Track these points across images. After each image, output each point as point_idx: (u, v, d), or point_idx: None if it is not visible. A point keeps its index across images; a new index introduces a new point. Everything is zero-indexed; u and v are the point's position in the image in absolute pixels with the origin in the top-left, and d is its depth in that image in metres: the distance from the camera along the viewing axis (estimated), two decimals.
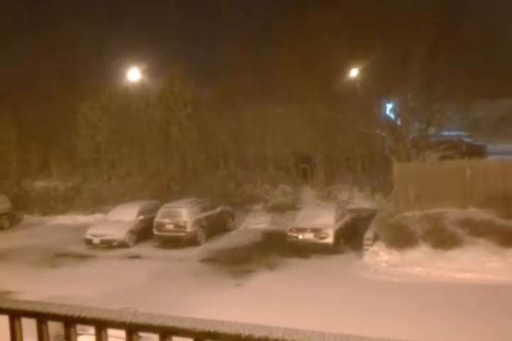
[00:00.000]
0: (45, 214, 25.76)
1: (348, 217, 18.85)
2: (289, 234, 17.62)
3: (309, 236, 17.29)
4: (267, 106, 26.19)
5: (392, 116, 23.26)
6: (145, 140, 27.62)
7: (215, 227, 20.26)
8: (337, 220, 17.83)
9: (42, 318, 1.85)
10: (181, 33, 35.62)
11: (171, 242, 19.28)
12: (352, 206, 22.23)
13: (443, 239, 15.61)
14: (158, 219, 19.49)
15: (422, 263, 15.11)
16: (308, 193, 24.53)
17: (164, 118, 27.19)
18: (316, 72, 21.80)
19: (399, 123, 22.08)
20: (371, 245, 16.84)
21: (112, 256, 18.62)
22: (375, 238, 17.13)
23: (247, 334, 1.49)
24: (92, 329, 1.78)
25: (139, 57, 26.46)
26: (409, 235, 16.33)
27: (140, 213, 20.67)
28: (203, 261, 17.53)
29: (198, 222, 19.41)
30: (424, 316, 11.64)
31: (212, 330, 1.54)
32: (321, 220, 17.59)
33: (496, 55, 19.63)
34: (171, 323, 1.61)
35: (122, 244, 19.44)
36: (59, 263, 18.03)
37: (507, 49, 20.05)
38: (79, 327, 1.84)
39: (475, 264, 14.45)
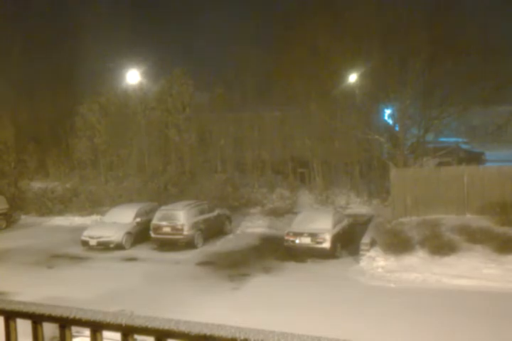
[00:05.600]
0: (42, 215, 25.71)
1: (345, 222, 18.81)
2: (286, 238, 17.58)
3: (306, 240, 17.26)
4: (266, 110, 26.23)
5: (390, 121, 23.30)
6: (143, 142, 27.60)
7: (212, 231, 20.24)
8: (334, 225, 17.80)
9: (37, 319, 1.84)
10: (180, 35, 35.66)
11: (168, 245, 19.25)
12: (349, 211, 22.23)
13: (440, 245, 15.61)
14: (155, 221, 19.44)
15: (418, 269, 15.10)
16: (305, 197, 24.51)
17: (163, 120, 27.20)
18: (315, 77, 21.86)
19: (397, 129, 22.14)
20: (368, 250, 16.84)
21: (109, 258, 18.57)
22: (372, 243, 17.13)
23: (242, 338, 1.49)
24: (87, 331, 1.78)
25: (138, 59, 26.47)
26: (406, 241, 16.33)
27: (137, 215, 20.62)
28: (200, 264, 17.50)
29: (195, 225, 19.38)
30: (418, 322, 11.62)
31: (208, 334, 1.54)
32: (318, 225, 17.55)
33: (493, 62, 19.71)
34: (166, 326, 1.61)
35: (119, 246, 19.39)
36: (55, 264, 17.97)
37: (504, 57, 20.13)
38: (74, 328, 1.83)
39: (472, 271, 14.45)
